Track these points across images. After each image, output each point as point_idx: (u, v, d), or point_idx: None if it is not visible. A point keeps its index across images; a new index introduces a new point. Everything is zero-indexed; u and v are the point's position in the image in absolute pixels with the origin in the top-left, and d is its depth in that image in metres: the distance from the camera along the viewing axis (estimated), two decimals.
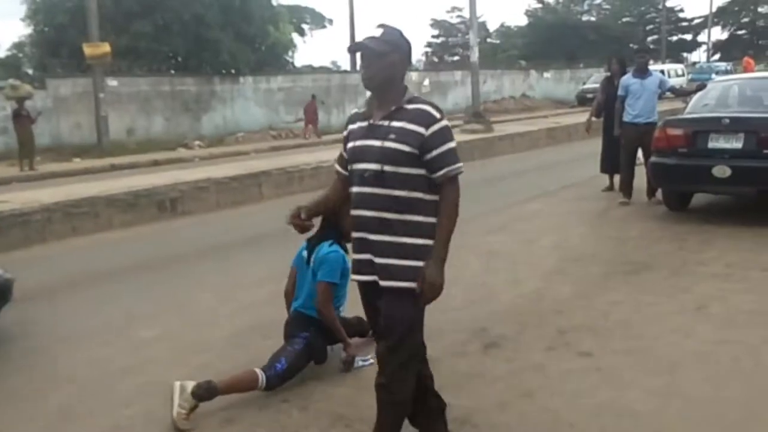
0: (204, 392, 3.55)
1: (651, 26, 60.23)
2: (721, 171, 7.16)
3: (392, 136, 2.75)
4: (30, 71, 24.64)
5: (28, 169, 15.99)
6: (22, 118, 16.30)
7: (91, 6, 19.19)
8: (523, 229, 7.85)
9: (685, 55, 61.55)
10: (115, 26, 21.53)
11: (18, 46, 28.27)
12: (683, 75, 35.13)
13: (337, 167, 3.09)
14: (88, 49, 18.96)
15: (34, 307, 5.65)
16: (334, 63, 47.50)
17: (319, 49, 73.82)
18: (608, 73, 10.13)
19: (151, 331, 4.89)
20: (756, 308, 4.86)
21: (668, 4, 57.49)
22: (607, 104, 9.56)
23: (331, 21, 35.41)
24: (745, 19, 60.19)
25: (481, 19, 51.29)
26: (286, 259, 6.77)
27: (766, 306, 4.91)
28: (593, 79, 30.08)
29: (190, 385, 3.56)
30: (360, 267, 2.90)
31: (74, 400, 3.89)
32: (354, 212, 2.87)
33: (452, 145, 2.79)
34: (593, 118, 10.26)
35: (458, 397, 3.68)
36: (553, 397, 3.69)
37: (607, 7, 60.40)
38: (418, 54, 58.03)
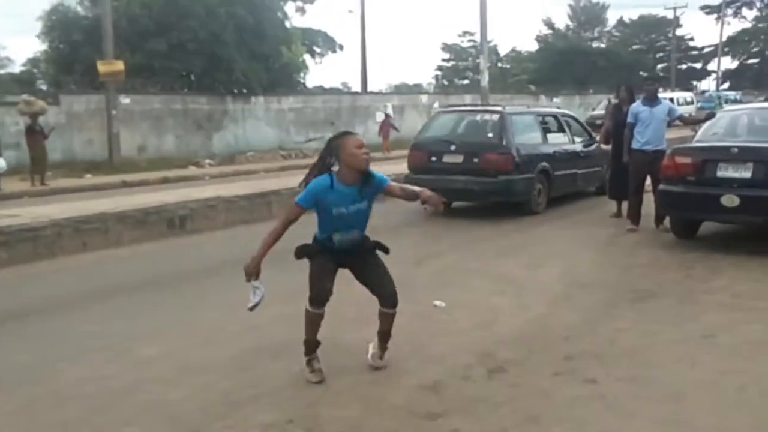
0: None
1: (661, 54, 60.45)
2: (730, 200, 7.16)
3: None
4: (44, 87, 24.91)
5: (40, 184, 16.10)
6: (35, 134, 16.46)
7: (106, 24, 19.45)
8: (530, 253, 7.85)
9: (694, 83, 61.67)
10: (129, 44, 21.78)
11: (33, 62, 28.67)
12: (692, 103, 35.23)
13: None
14: (102, 67, 19.18)
15: (41, 323, 5.68)
16: (344, 84, 47.85)
17: (330, 72, 74.57)
18: (616, 101, 10.18)
19: (155, 349, 4.88)
20: (763, 338, 4.85)
21: (678, 32, 57.76)
22: (615, 131, 9.60)
23: (342, 46, 35.49)
24: (755, 49, 60.35)
25: (491, 44, 51.59)
26: (293, 279, 6.77)
27: None
28: (602, 105, 30.14)
29: None
30: None
31: (77, 417, 3.89)
32: None
33: None
34: (602, 146, 10.30)
35: (463, 421, 3.68)
36: (558, 423, 3.68)
37: (617, 34, 60.69)
38: (428, 77, 58.33)
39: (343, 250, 4.31)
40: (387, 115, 25.28)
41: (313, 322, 4.32)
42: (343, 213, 4.20)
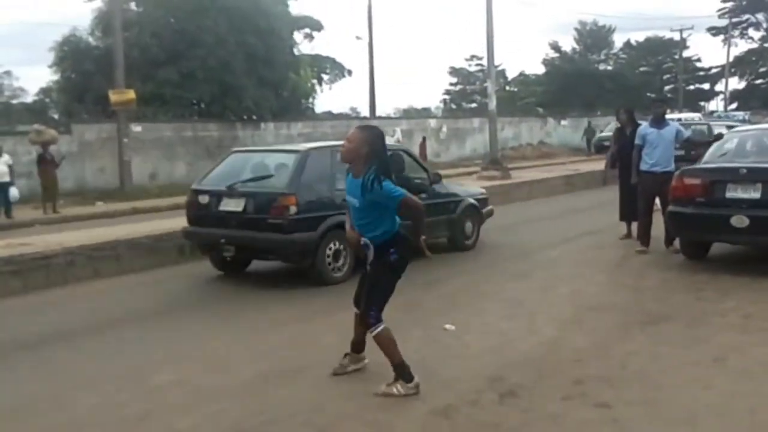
0: None
1: (668, 75, 60.53)
2: (739, 221, 7.15)
3: None
4: (56, 116, 25.20)
5: (51, 212, 16.23)
6: (46, 163, 16.62)
7: (118, 54, 19.72)
8: (541, 276, 7.84)
9: (702, 104, 61.65)
10: (140, 74, 22.06)
11: (45, 91, 29.02)
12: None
13: None
14: (113, 96, 19.42)
15: (54, 351, 5.72)
16: (353, 109, 48.04)
17: (338, 97, 75.19)
18: (618, 124, 10.23)
19: (167, 377, 4.91)
20: None
21: (685, 54, 57.88)
22: (621, 154, 9.63)
23: (350, 72, 35.80)
24: (763, 69, 60.36)
25: (500, 68, 51.92)
26: (305, 304, 6.80)
27: None
28: (610, 127, 30.23)
29: None
30: None
31: None
32: None
33: None
34: (609, 169, 10.34)
35: None
36: None
37: (624, 56, 60.86)
38: (436, 101, 58.62)
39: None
40: (424, 138, 26.07)
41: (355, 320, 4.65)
42: (348, 201, 4.50)
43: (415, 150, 26.29)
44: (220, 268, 8.45)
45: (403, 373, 4.36)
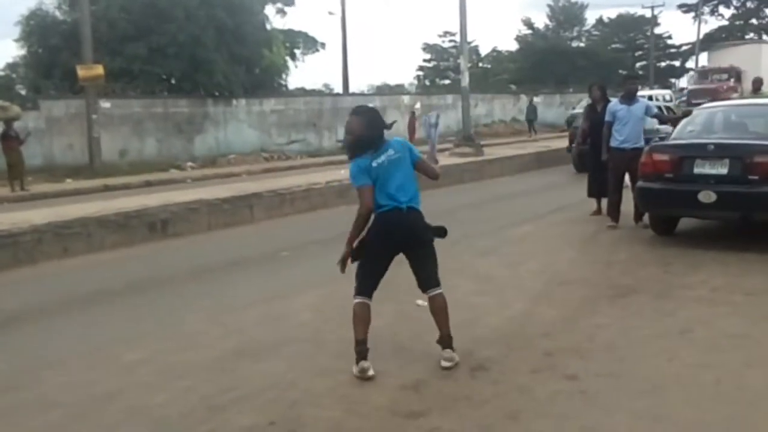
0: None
1: (640, 52, 60.80)
2: (707, 196, 7.25)
3: None
4: (23, 92, 24.69)
5: (20, 189, 15.98)
6: (10, 140, 16.31)
7: (85, 28, 19.32)
8: (512, 252, 7.90)
9: (673, 81, 62.13)
10: (109, 49, 21.65)
11: (11, 67, 28.34)
12: (671, 100, 35.51)
13: None
14: (81, 71, 19.06)
15: (22, 329, 5.66)
16: (326, 86, 47.58)
17: (311, 73, 74.32)
18: (590, 101, 10.28)
19: (138, 354, 4.89)
20: (739, 332, 4.92)
21: (656, 31, 58.17)
22: (591, 131, 9.68)
23: (323, 45, 35.46)
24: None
25: (473, 44, 51.75)
26: (275, 282, 6.78)
27: (748, 330, 4.97)
28: (582, 103, 30.36)
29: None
30: None
31: (60, 424, 3.89)
32: None
33: None
34: (580, 146, 10.41)
35: (444, 420, 3.72)
36: (539, 419, 3.72)
37: (596, 33, 61.00)
38: (410, 77, 58.29)
39: None
40: (413, 113, 25.93)
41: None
42: None
43: (404, 125, 26.42)
44: None
45: (356, 350, 4.34)
